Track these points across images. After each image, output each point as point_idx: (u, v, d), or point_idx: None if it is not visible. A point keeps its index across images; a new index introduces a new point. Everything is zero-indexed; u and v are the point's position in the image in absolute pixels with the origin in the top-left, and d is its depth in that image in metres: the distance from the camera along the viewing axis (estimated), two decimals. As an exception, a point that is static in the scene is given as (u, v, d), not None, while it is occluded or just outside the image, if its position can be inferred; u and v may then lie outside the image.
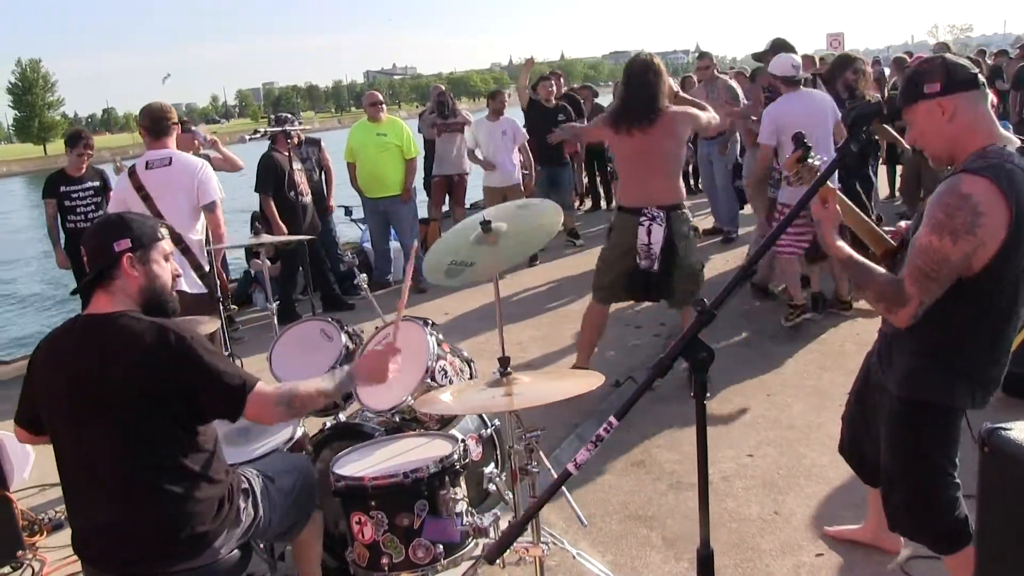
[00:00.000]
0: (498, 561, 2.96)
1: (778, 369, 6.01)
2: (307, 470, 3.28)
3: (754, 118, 8.11)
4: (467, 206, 11.84)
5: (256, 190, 8.22)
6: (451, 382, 3.70)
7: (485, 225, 3.25)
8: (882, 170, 10.66)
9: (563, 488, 3.18)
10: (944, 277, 2.65)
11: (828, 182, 2.83)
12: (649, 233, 5.29)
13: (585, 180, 13.48)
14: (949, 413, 2.89)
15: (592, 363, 5.78)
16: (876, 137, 7.50)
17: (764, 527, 4.00)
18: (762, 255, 2.32)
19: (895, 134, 7.14)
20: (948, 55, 2.88)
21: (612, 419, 1.89)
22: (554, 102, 10.64)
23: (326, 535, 3.47)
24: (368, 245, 9.94)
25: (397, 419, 3.70)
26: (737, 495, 4.29)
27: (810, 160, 3.11)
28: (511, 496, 3.34)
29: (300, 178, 8.22)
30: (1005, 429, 2.23)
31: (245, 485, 2.94)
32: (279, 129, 7.91)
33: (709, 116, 5.60)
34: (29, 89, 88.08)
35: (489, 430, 3.80)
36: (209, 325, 3.83)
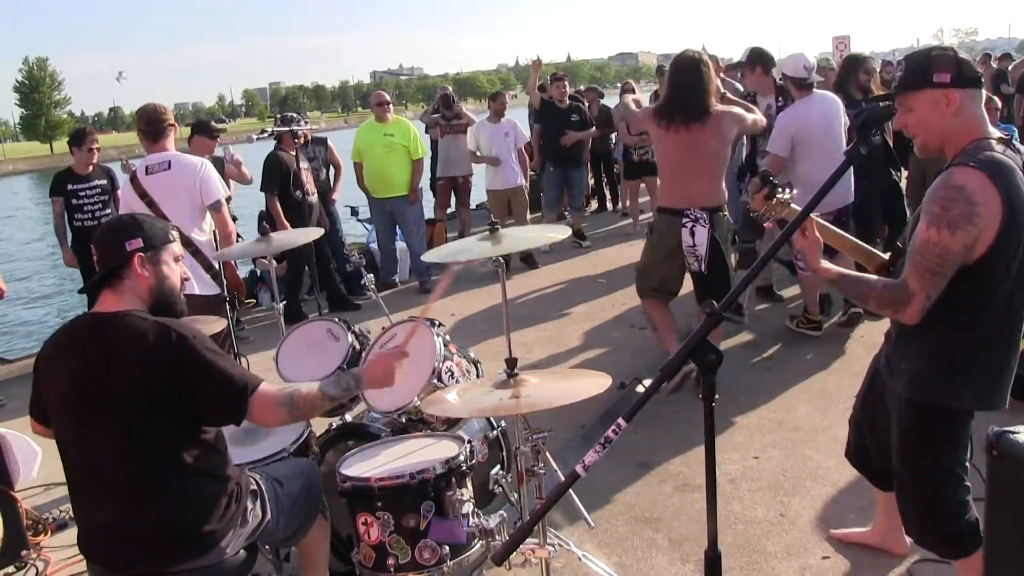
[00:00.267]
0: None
1: (783, 371, 6.00)
2: (313, 474, 3.28)
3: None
4: (473, 207, 11.88)
5: (262, 189, 8.23)
6: (458, 383, 3.70)
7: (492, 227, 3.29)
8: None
9: (570, 490, 3.19)
10: (947, 270, 2.67)
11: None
12: (693, 235, 5.18)
13: (591, 181, 13.49)
14: (957, 415, 2.89)
15: (598, 365, 5.78)
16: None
17: (770, 529, 3.99)
18: (766, 264, 2.32)
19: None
20: (955, 49, 2.89)
21: (621, 421, 1.89)
22: (567, 103, 10.64)
23: (333, 535, 3.47)
24: (374, 245, 9.95)
25: (403, 420, 3.70)
26: (743, 497, 4.29)
27: (778, 196, 3.20)
28: (517, 497, 3.34)
29: (307, 177, 8.25)
30: (1013, 433, 2.23)
31: (254, 487, 2.94)
32: (286, 129, 7.92)
33: (755, 117, 5.45)
34: (36, 87, 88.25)
35: (496, 431, 3.81)
36: (216, 324, 3.84)
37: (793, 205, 3.34)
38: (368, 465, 3.17)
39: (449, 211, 11.55)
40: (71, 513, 4.55)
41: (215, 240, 5.24)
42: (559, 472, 3.83)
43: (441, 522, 3.00)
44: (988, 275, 2.70)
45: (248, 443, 3.60)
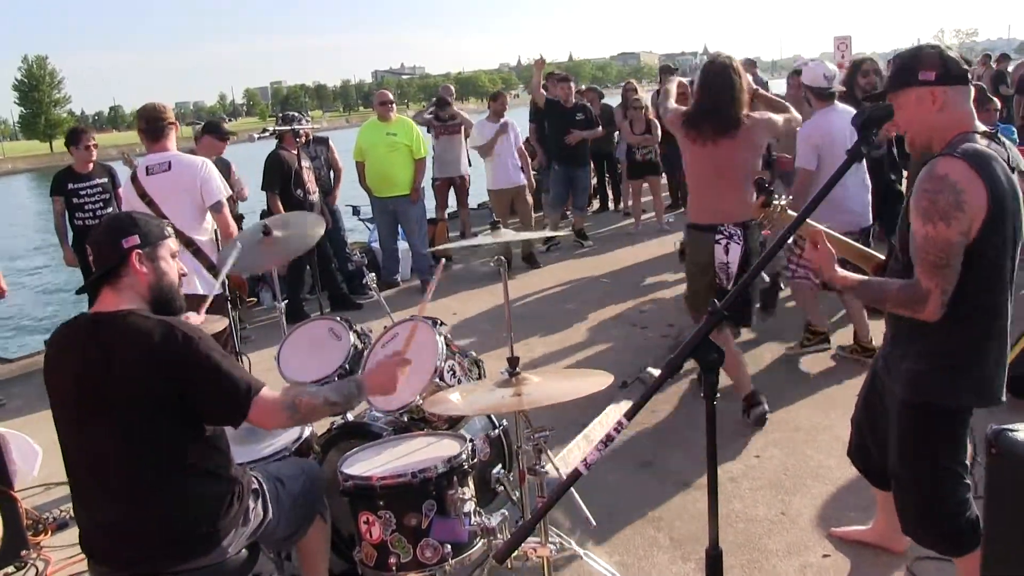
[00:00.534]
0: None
1: (784, 370, 6.01)
2: (315, 474, 3.28)
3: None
4: (475, 206, 11.89)
5: (263, 188, 8.24)
6: (459, 382, 3.70)
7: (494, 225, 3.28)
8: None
9: (571, 488, 3.19)
10: (954, 261, 2.68)
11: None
12: (727, 251, 4.91)
13: (593, 181, 13.50)
14: (956, 414, 2.90)
15: (599, 364, 5.77)
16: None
17: (771, 528, 4.00)
18: (764, 266, 2.32)
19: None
20: (942, 47, 2.90)
21: (622, 419, 1.89)
22: (572, 102, 10.66)
23: (335, 534, 3.47)
24: (376, 244, 9.95)
25: (405, 419, 3.70)
26: (744, 496, 4.29)
27: (775, 203, 3.25)
28: (519, 496, 3.34)
29: (308, 176, 8.25)
30: (1012, 431, 2.24)
31: (256, 486, 2.94)
32: (287, 128, 7.92)
33: (789, 117, 5.09)
34: (36, 86, 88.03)
35: (497, 430, 3.81)
36: (217, 324, 3.85)
37: (790, 212, 3.35)
38: (370, 464, 3.17)
39: (450, 211, 11.56)
40: (71, 513, 4.55)
41: (216, 240, 5.24)
42: (561, 471, 3.84)
43: (443, 521, 3.00)
44: (979, 267, 2.72)
45: (250, 442, 3.60)
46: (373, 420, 3.75)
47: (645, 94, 12.27)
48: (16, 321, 14.52)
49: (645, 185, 11.68)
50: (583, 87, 14.36)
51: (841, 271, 2.97)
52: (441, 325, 3.89)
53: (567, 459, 4.68)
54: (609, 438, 1.91)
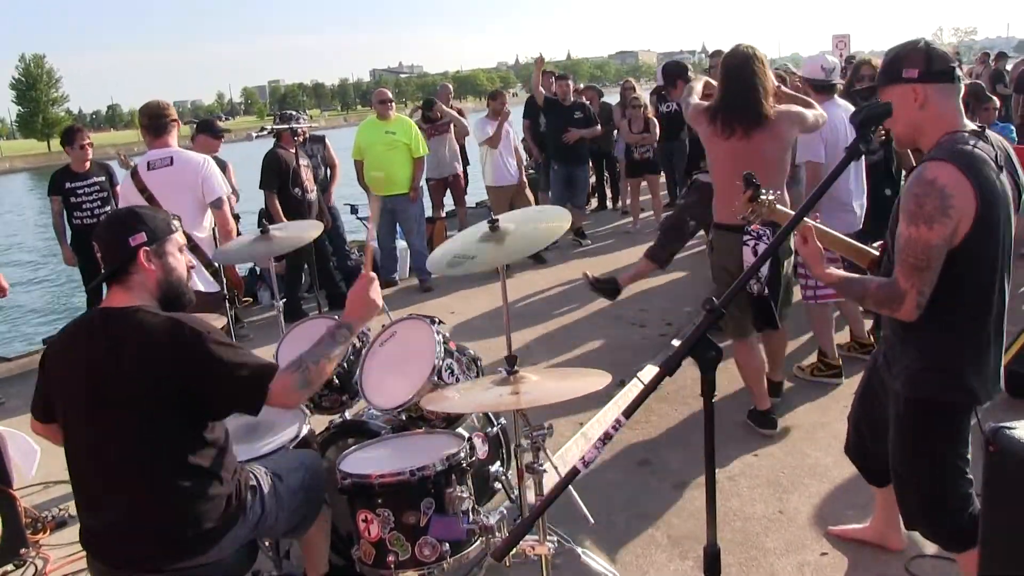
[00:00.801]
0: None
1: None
2: (315, 466, 3.27)
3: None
4: (473, 205, 11.87)
5: (261, 187, 8.22)
6: (457, 380, 3.70)
7: (493, 224, 3.28)
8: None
9: (569, 486, 3.19)
10: (934, 264, 2.70)
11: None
12: (755, 253, 4.63)
13: (592, 179, 13.50)
14: (955, 409, 2.91)
15: (598, 363, 5.77)
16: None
17: (769, 526, 4.01)
18: (764, 262, 2.32)
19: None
20: (930, 43, 2.90)
21: (620, 417, 1.89)
22: (571, 100, 10.67)
23: (333, 532, 3.47)
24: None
25: (403, 417, 3.70)
26: (742, 494, 4.30)
27: (762, 197, 3.26)
28: (517, 494, 3.34)
29: (306, 175, 8.24)
30: (1010, 428, 2.24)
31: (253, 482, 2.93)
32: (285, 126, 7.92)
33: (816, 113, 4.87)
34: (33, 85, 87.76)
35: (495, 428, 3.81)
36: (216, 322, 3.84)
37: (779, 206, 3.34)
38: (368, 462, 3.17)
39: (449, 208, 11.55)
40: (70, 511, 4.56)
41: (215, 237, 5.24)
42: (559, 469, 3.84)
43: (441, 519, 3.00)
44: (971, 266, 2.74)
45: (249, 440, 3.60)
46: (371, 418, 3.75)
47: (643, 93, 12.26)
48: (15, 320, 14.51)
49: (644, 184, 11.68)
50: (582, 86, 14.36)
51: (829, 268, 2.98)
52: (440, 323, 3.89)
53: (565, 457, 4.69)
54: (607, 436, 1.91)
